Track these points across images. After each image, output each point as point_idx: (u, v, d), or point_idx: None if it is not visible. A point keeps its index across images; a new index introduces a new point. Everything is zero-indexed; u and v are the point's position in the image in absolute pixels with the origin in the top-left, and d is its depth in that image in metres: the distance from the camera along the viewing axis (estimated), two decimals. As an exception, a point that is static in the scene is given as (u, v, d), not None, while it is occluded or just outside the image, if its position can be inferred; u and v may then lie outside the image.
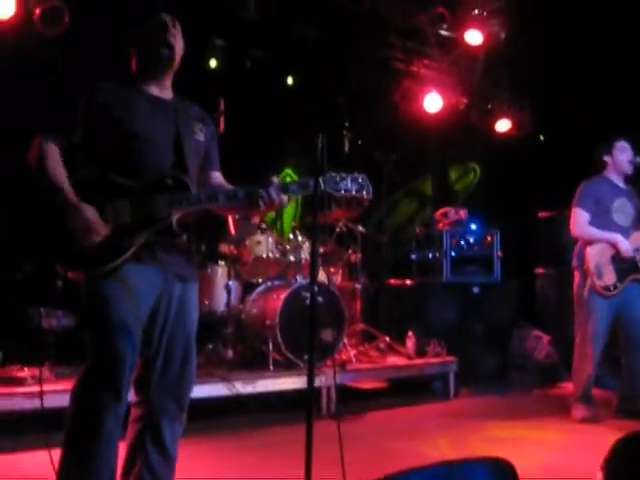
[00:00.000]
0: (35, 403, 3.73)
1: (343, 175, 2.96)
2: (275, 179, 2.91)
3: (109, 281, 2.74)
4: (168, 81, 3.05)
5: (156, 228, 2.78)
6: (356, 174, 2.99)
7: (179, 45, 2.99)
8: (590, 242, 5.43)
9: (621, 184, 5.62)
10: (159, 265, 2.85)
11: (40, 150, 2.78)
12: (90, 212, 2.69)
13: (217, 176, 3.18)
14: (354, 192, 2.98)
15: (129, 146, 2.83)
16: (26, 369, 4.73)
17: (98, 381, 2.76)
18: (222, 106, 5.84)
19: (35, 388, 4.11)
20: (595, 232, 5.44)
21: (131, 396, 2.95)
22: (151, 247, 2.82)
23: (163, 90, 3.03)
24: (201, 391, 4.92)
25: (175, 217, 2.81)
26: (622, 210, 5.54)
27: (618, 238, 5.40)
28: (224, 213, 3.23)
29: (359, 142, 6.47)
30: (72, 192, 2.73)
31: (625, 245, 5.38)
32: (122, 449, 2.92)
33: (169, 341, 2.92)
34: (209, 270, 6.11)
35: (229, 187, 3.07)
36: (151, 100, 2.96)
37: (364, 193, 3.00)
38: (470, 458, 2.05)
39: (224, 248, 6.19)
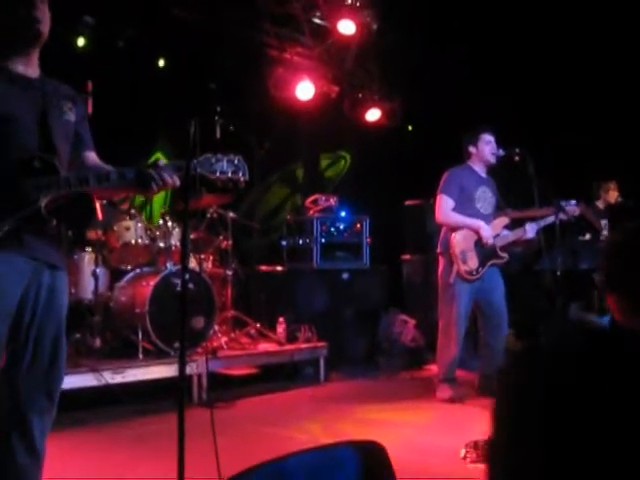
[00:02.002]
0: None
1: (219, 156, 2.93)
2: (162, 162, 2.85)
3: None
4: (34, 58, 2.88)
5: (23, 214, 2.65)
6: (232, 156, 2.96)
7: (46, 20, 2.84)
8: (454, 228, 5.64)
9: (483, 174, 5.86)
10: (27, 252, 2.71)
11: None
12: None
13: (91, 156, 3.03)
14: (230, 174, 2.94)
15: None
16: None
17: None
18: (90, 88, 5.65)
19: None
20: (459, 218, 5.66)
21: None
22: (18, 233, 2.67)
23: (29, 67, 2.86)
24: (68, 382, 4.74)
25: (43, 202, 2.68)
26: (484, 198, 5.79)
27: (480, 224, 5.64)
28: (112, 195, 3.09)
29: (231, 128, 6.40)
30: None
31: (487, 231, 5.62)
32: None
33: (38, 332, 2.78)
34: (75, 257, 5.91)
35: (105, 168, 2.96)
36: (14, 78, 2.79)
37: (240, 175, 2.97)
38: (341, 442, 2.10)
39: (91, 234, 5.99)
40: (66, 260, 2.99)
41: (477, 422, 4.69)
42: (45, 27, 2.83)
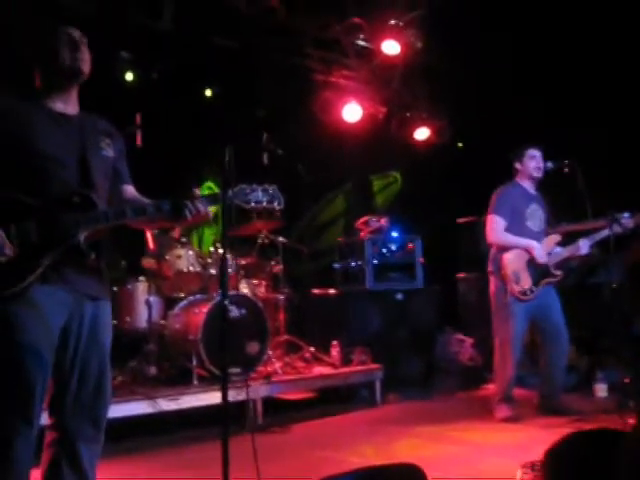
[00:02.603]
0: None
1: (254, 187, 2.97)
2: (197, 191, 2.91)
3: (16, 303, 2.65)
4: (74, 95, 2.97)
5: (63, 248, 2.72)
6: (267, 185, 3.00)
7: (87, 59, 2.93)
8: (505, 247, 5.56)
9: (532, 190, 5.77)
10: (68, 285, 2.78)
11: None
12: None
13: (129, 189, 3.12)
14: (265, 203, 2.99)
15: (32, 165, 2.75)
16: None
17: (7, 407, 2.68)
18: (139, 120, 5.78)
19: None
20: (511, 239, 5.57)
21: (45, 419, 2.88)
22: (59, 267, 2.74)
23: (68, 105, 2.95)
24: (124, 410, 4.85)
25: (82, 236, 2.75)
26: (534, 216, 5.70)
27: (533, 244, 5.54)
28: (148, 226, 3.19)
29: (279, 152, 6.45)
30: None
31: (539, 251, 5.53)
32: (36, 476, 2.84)
33: (82, 362, 2.84)
34: (129, 286, 6.01)
35: (142, 200, 3.04)
36: (54, 116, 2.88)
37: (275, 204, 3.02)
38: (379, 465, 2.09)
39: (144, 263, 6.09)
40: (109, 291, 3.04)
41: (535, 442, 4.58)
42: (86, 67, 2.92)
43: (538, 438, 4.78)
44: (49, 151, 2.78)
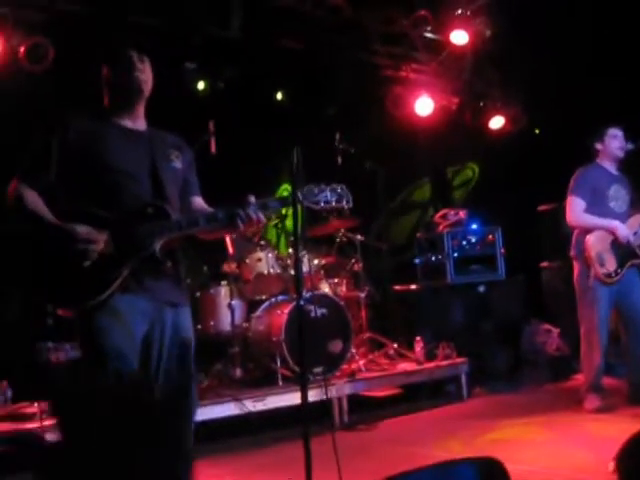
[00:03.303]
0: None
1: (322, 187, 3.00)
2: (251, 197, 2.93)
3: (100, 313, 2.77)
4: (140, 111, 3.09)
5: (140, 258, 2.81)
6: (335, 185, 3.02)
7: (147, 78, 3.04)
8: (587, 230, 5.41)
9: (614, 171, 5.61)
10: (148, 293, 2.88)
11: (17, 194, 2.84)
12: (82, 226, 2.74)
13: (198, 201, 3.21)
14: (334, 203, 3.02)
15: (106, 180, 2.87)
16: (36, 404, 4.70)
17: None
18: (212, 127, 5.87)
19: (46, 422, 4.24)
20: (591, 219, 5.42)
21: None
22: (138, 276, 2.84)
23: (136, 121, 3.07)
24: (211, 412, 4.95)
25: (158, 245, 2.84)
26: (617, 196, 5.53)
27: (615, 224, 5.38)
28: (207, 236, 3.26)
29: (352, 151, 6.45)
30: (56, 220, 2.78)
31: (623, 231, 5.36)
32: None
33: (168, 368, 2.93)
34: (212, 291, 6.13)
35: (210, 210, 3.11)
36: (124, 132, 3.00)
37: (344, 203, 3.04)
38: (458, 459, 2.08)
39: (225, 267, 6.20)
40: (188, 297, 3.12)
41: (626, 434, 4.43)
42: (146, 85, 3.03)
43: (629, 429, 4.62)
44: (121, 166, 2.90)
